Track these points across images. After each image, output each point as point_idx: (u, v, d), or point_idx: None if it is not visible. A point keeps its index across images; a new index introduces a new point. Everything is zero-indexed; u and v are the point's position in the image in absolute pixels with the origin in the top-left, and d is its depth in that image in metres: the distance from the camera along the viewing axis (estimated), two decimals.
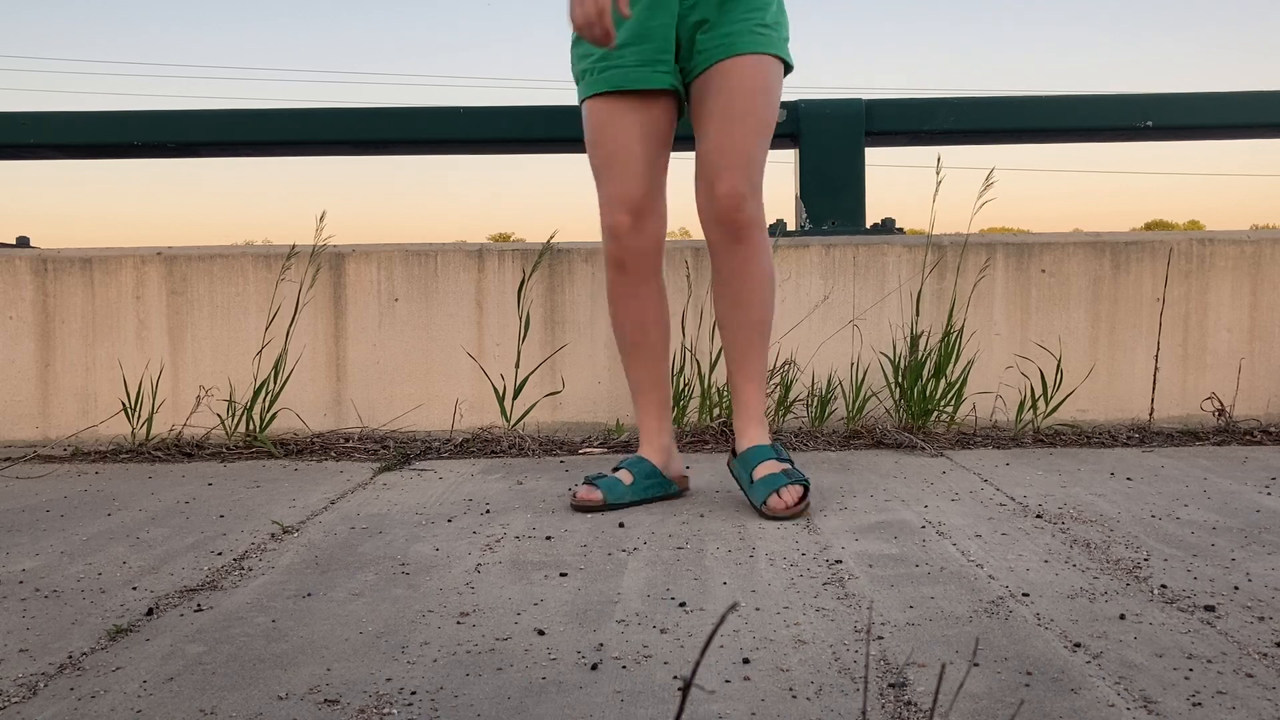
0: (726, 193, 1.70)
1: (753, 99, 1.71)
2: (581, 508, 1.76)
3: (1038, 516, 1.67)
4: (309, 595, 1.31)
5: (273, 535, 1.63)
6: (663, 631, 1.15)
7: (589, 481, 1.80)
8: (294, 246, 2.65)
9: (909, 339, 2.55)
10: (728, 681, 1.00)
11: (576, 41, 1.81)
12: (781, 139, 2.84)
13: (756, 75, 1.71)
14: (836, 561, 1.43)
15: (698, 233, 2.92)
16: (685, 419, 2.53)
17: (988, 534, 1.56)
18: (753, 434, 1.79)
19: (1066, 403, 2.62)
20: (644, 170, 1.76)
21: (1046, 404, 2.55)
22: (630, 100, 1.74)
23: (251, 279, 2.66)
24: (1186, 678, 1.00)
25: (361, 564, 1.45)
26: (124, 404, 2.61)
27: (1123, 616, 1.17)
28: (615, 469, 1.84)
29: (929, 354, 2.52)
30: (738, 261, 1.74)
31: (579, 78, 1.82)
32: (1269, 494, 1.82)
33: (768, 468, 1.73)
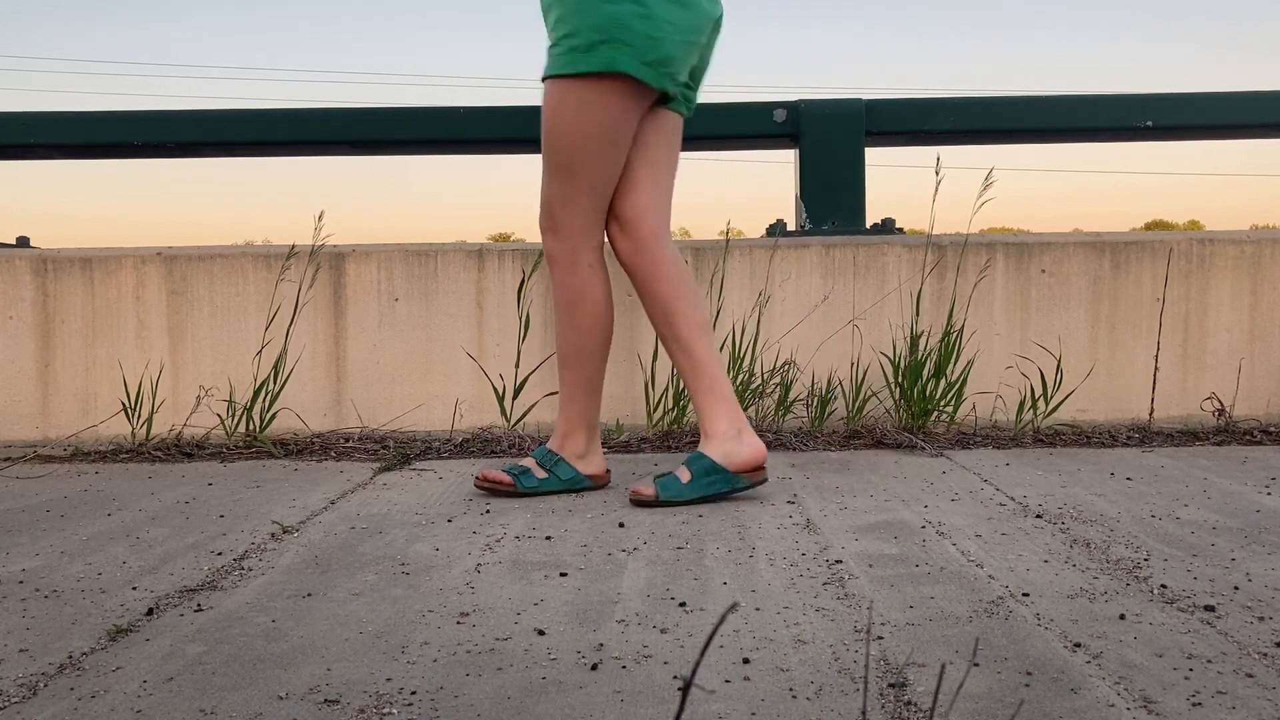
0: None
1: (549, 136, 1.78)
2: (640, 503, 1.79)
3: (1038, 516, 1.67)
4: (309, 595, 1.31)
5: (273, 535, 1.63)
6: (663, 631, 1.15)
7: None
8: (294, 246, 2.65)
9: (909, 339, 2.55)
10: (728, 681, 1.00)
11: None
12: (781, 139, 2.84)
13: (545, 110, 1.78)
14: (836, 561, 1.43)
15: (697, 233, 2.92)
16: (685, 419, 2.53)
17: (988, 534, 1.56)
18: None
19: (1066, 403, 2.62)
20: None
21: (1046, 404, 2.55)
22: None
23: (251, 279, 2.65)
24: (1186, 678, 1.00)
25: (361, 564, 1.45)
26: (124, 404, 2.62)
27: (1123, 616, 1.17)
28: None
29: (929, 354, 2.52)
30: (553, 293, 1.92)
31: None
32: (1269, 494, 1.82)
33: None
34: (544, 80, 1.77)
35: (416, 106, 2.93)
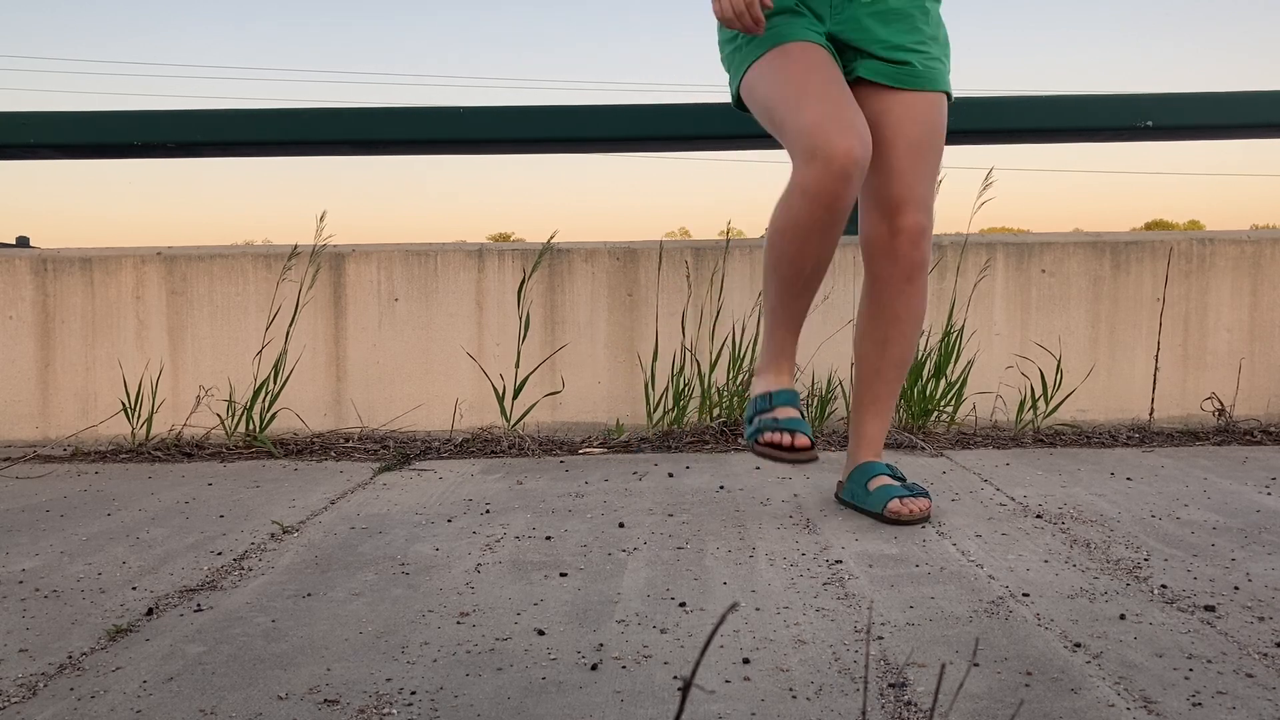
0: (911, 226, 1.65)
1: (932, 154, 1.67)
2: (796, 458, 1.56)
3: (1038, 516, 1.67)
4: (309, 595, 1.31)
5: (273, 535, 1.63)
6: (663, 631, 1.15)
7: (781, 428, 1.59)
8: (295, 246, 2.65)
9: None
10: (728, 681, 1.00)
11: (728, 39, 1.71)
12: None
13: (934, 125, 1.67)
14: (836, 561, 1.43)
15: (698, 233, 2.91)
16: (685, 419, 2.53)
17: (988, 534, 1.56)
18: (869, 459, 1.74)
19: (1066, 403, 2.62)
20: (858, 108, 1.59)
21: (1046, 404, 2.54)
22: (808, 41, 1.61)
23: (251, 279, 2.65)
24: (1186, 678, 1.00)
25: (361, 564, 1.45)
26: (124, 404, 2.61)
27: (1123, 616, 1.17)
28: (770, 405, 1.63)
29: (929, 354, 2.52)
30: (901, 303, 1.70)
31: (730, 59, 1.70)
32: (1269, 494, 1.82)
33: (883, 480, 1.68)
34: (926, 92, 1.66)
35: (416, 106, 2.93)
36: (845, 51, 1.66)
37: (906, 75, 1.64)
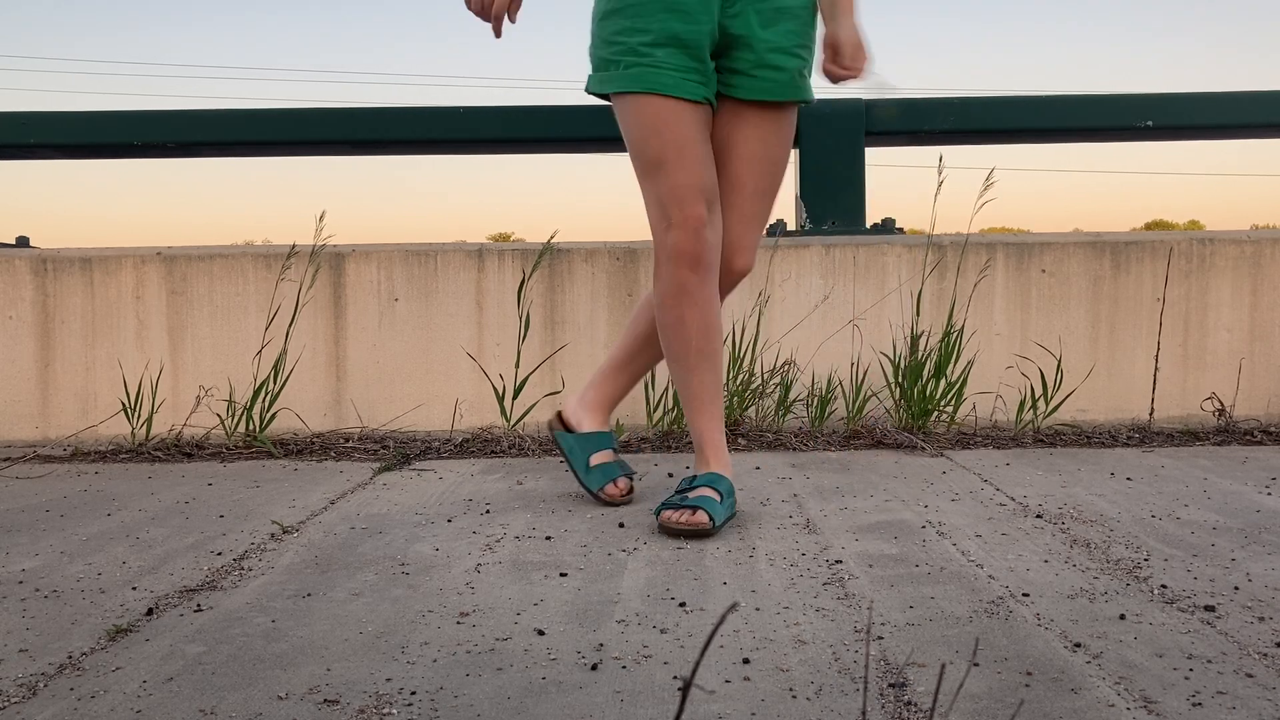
0: (742, 269, 1.77)
1: (780, 170, 1.76)
2: (691, 532, 1.56)
3: (1038, 516, 1.67)
4: (309, 595, 1.31)
5: (272, 535, 1.63)
6: (663, 631, 1.15)
7: (680, 505, 1.60)
8: (294, 246, 2.65)
9: (909, 339, 2.55)
10: (728, 681, 1.00)
11: (605, 16, 1.66)
12: None
13: (787, 139, 1.74)
14: (836, 561, 1.43)
15: None
16: (686, 420, 2.53)
17: (988, 534, 1.56)
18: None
19: (1066, 403, 2.62)
20: (710, 163, 1.67)
21: (1046, 404, 2.55)
22: (680, 100, 1.65)
23: (251, 279, 2.65)
24: (1186, 678, 1.00)
25: (361, 564, 1.45)
26: (124, 404, 2.61)
27: (1123, 616, 1.17)
28: (691, 485, 1.65)
29: (929, 354, 2.52)
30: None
31: (602, 65, 1.68)
32: (1269, 494, 1.82)
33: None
34: (790, 110, 1.73)
35: (416, 106, 2.93)
36: (724, 54, 1.68)
37: (780, 86, 1.68)
